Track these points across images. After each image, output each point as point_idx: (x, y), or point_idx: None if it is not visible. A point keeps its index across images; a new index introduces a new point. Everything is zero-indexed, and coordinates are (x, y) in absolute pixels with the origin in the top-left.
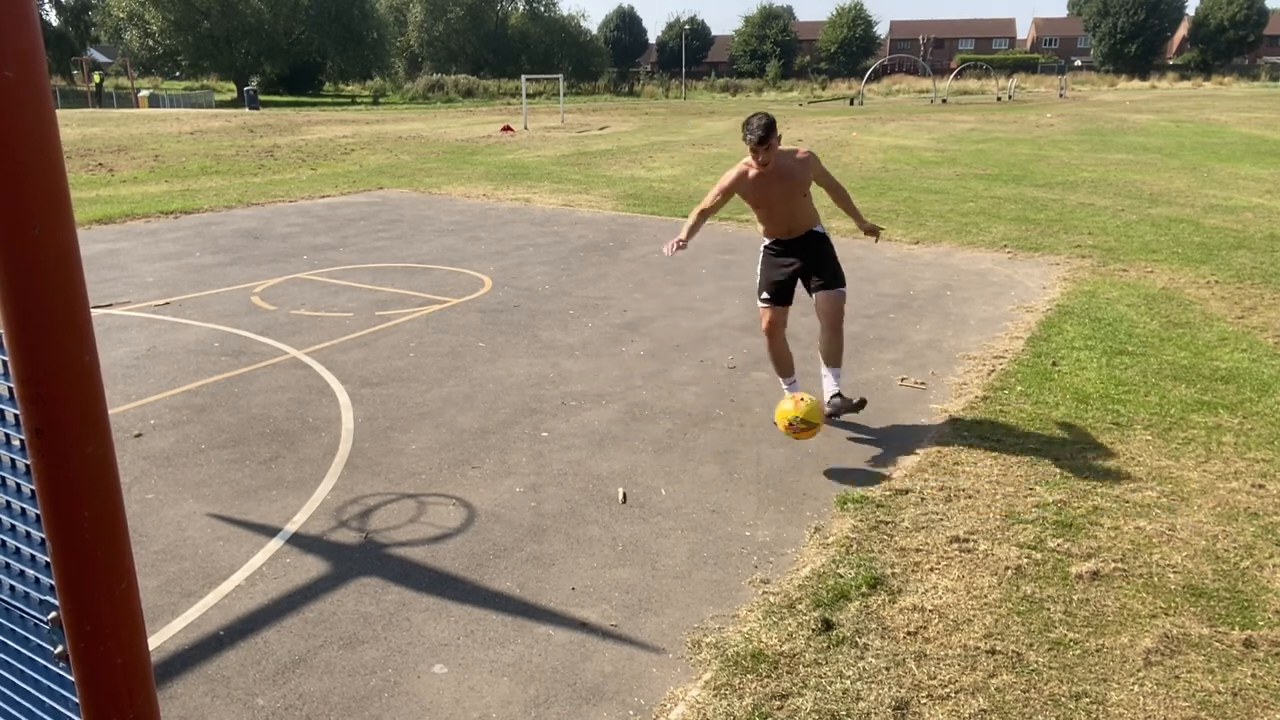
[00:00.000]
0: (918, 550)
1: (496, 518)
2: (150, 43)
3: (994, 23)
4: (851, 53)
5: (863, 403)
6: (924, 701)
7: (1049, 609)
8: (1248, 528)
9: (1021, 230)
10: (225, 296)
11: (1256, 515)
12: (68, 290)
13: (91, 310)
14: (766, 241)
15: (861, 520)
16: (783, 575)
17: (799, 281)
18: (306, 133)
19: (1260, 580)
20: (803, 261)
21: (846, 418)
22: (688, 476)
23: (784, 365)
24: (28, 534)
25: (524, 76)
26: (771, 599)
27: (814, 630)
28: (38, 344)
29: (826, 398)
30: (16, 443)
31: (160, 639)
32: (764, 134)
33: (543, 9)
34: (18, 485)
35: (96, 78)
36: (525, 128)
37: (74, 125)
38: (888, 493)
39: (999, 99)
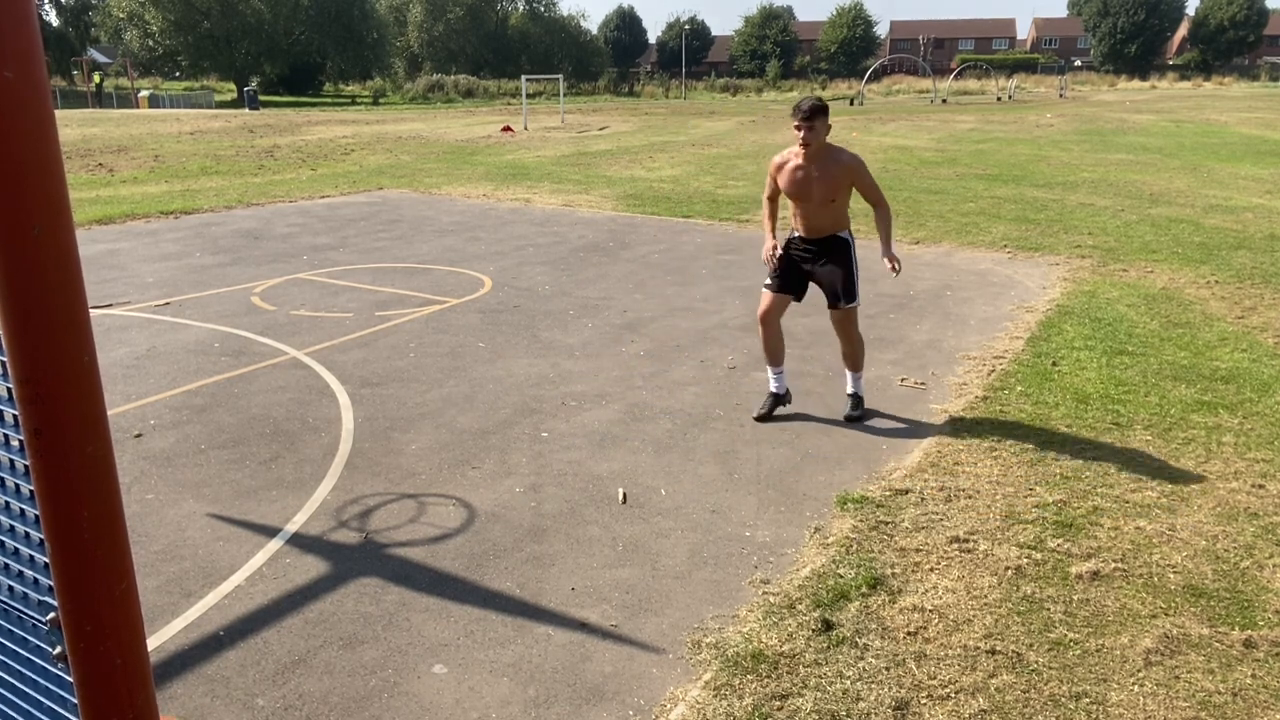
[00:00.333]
0: (918, 550)
1: (496, 518)
2: (150, 43)
3: (994, 23)
4: (851, 53)
5: (859, 418)
6: (924, 702)
7: (1049, 609)
8: (1248, 528)
9: (1021, 230)
10: (225, 297)
11: (1256, 515)
12: (67, 290)
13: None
14: (793, 232)
15: (861, 520)
16: (783, 575)
17: (811, 283)
18: (306, 133)
19: (1260, 580)
20: (817, 265)
21: (846, 423)
22: (688, 476)
23: (774, 354)
24: (27, 534)
25: (524, 77)
26: (771, 599)
27: (814, 630)
28: (37, 344)
29: (847, 393)
30: (16, 443)
31: (160, 639)
32: (810, 112)
33: (543, 9)
34: (17, 485)
35: (96, 78)
36: (525, 128)
37: (74, 125)
38: (888, 493)
39: (999, 99)
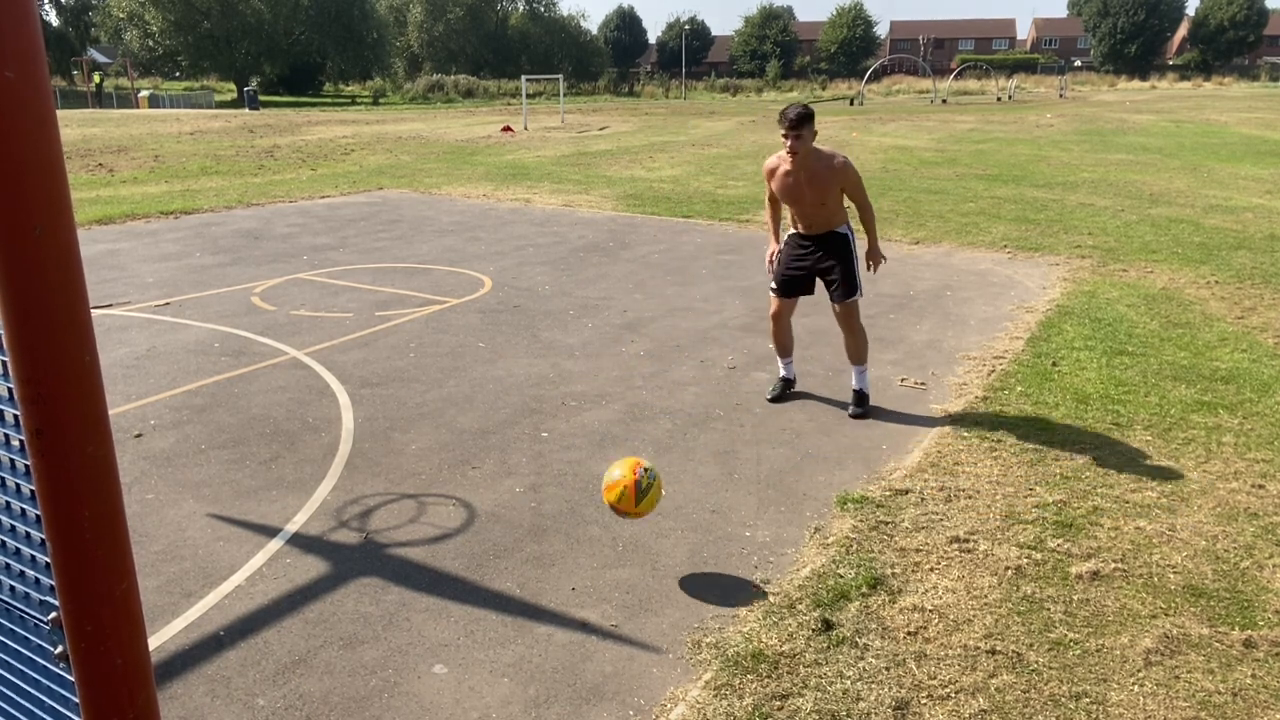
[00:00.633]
0: (918, 550)
1: (496, 518)
2: (150, 43)
3: (994, 23)
4: (851, 53)
5: (864, 415)
6: (924, 702)
7: (1049, 609)
8: (1248, 528)
9: (1021, 230)
10: (225, 297)
11: (1256, 515)
12: (68, 290)
13: (91, 310)
14: (791, 230)
15: (861, 520)
16: (783, 575)
17: (815, 278)
18: (306, 133)
19: (1260, 580)
20: (818, 260)
21: (846, 423)
22: (688, 476)
23: (783, 347)
24: (28, 534)
25: (524, 77)
26: (771, 599)
27: (814, 630)
28: (38, 344)
29: (852, 389)
30: (16, 443)
31: (160, 639)
32: (796, 120)
33: (543, 9)
34: (18, 485)
35: (96, 78)
36: (525, 128)
37: (74, 125)
38: (888, 493)
39: (999, 99)
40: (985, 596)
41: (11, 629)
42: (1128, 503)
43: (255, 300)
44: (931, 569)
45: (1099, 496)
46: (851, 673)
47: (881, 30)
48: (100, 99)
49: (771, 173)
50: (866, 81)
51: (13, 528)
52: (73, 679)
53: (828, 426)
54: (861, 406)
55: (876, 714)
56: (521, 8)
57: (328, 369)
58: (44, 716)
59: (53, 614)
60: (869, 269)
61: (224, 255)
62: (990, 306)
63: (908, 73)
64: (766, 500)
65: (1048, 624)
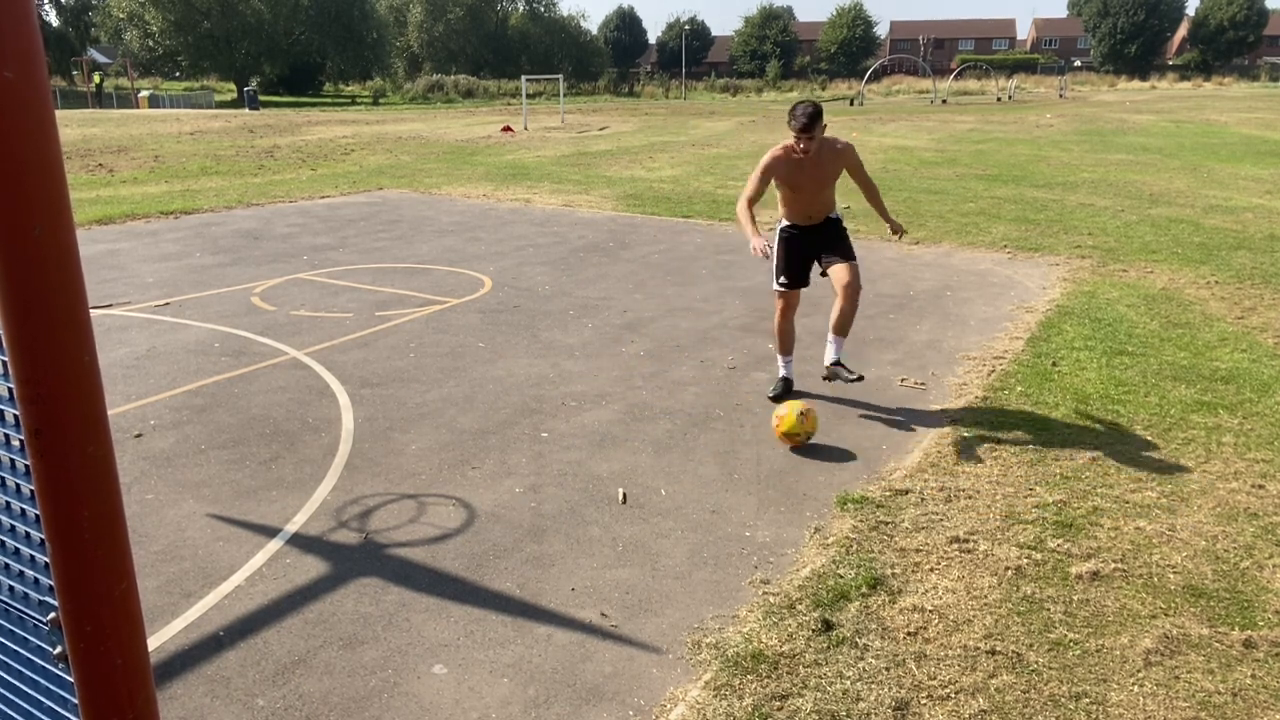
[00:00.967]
0: (918, 550)
1: (496, 518)
2: (150, 43)
3: (994, 23)
4: (851, 53)
5: (860, 378)
6: (924, 702)
7: (1049, 609)
8: (1248, 528)
9: (1021, 230)
10: (225, 297)
11: (1256, 515)
12: (68, 290)
13: (91, 310)
14: (784, 224)
15: (861, 520)
16: (783, 575)
17: (813, 262)
18: (306, 133)
19: (1260, 580)
20: (818, 243)
21: (846, 423)
22: (688, 476)
23: (787, 344)
24: (27, 534)
25: (524, 77)
26: (771, 599)
27: (814, 631)
28: (37, 344)
29: (826, 363)
30: (16, 443)
31: (160, 639)
32: (808, 121)
33: (543, 9)
34: (18, 485)
35: (96, 78)
36: (525, 128)
37: (74, 125)
38: (888, 493)
39: (999, 99)
40: (985, 597)
41: (11, 629)
42: (1128, 503)
43: (255, 300)
44: (931, 569)
45: (1099, 496)
46: (851, 673)
47: (881, 30)
48: (100, 99)
49: (776, 163)
50: (866, 82)
51: (12, 528)
52: (72, 679)
53: (828, 426)
54: (837, 366)
55: (876, 714)
56: (521, 8)
57: (328, 369)
58: (43, 717)
59: (52, 614)
60: (897, 236)
61: (224, 255)
62: (990, 306)
63: (908, 73)
64: (766, 500)
65: (1048, 624)
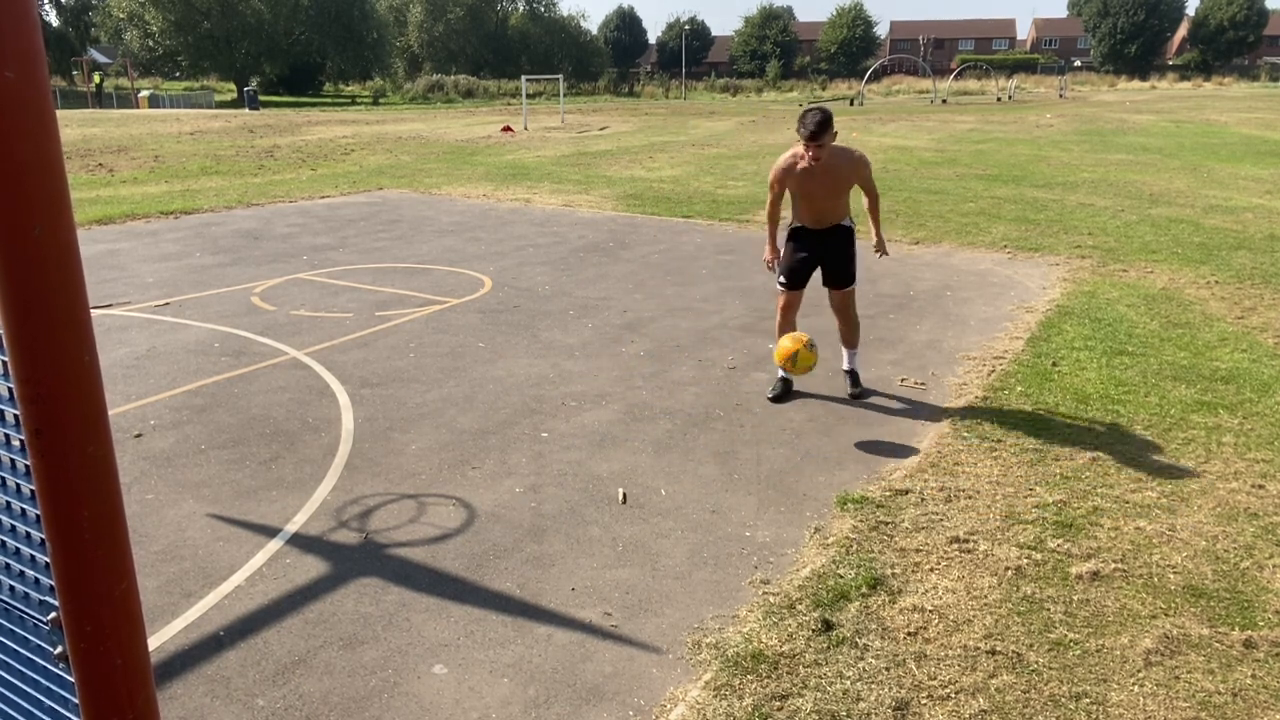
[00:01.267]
0: (918, 550)
1: (496, 518)
2: (150, 43)
3: (994, 23)
4: (851, 53)
5: (854, 396)
6: (924, 702)
7: (1049, 609)
8: (1248, 528)
9: (1021, 230)
10: (225, 297)
11: (1256, 515)
12: (68, 290)
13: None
14: (794, 223)
15: (861, 520)
16: (783, 575)
17: (816, 268)
18: (306, 133)
19: (1260, 580)
20: (821, 252)
21: (846, 423)
22: (688, 476)
23: None
24: (28, 534)
25: (524, 77)
26: (771, 599)
27: (814, 631)
28: (37, 344)
29: (844, 370)
30: (16, 443)
31: (160, 639)
32: (817, 130)
33: (543, 9)
34: (18, 485)
35: (96, 78)
36: (525, 128)
37: (74, 125)
38: (888, 493)
39: (999, 99)
40: (985, 597)
41: (11, 629)
42: (1128, 503)
43: (255, 300)
44: (931, 569)
45: (1099, 496)
46: (851, 673)
47: (881, 30)
48: (100, 99)
49: (785, 173)
50: (866, 82)
51: (13, 528)
52: (72, 679)
53: (828, 426)
54: (858, 386)
55: (876, 714)
56: (521, 8)
57: (328, 369)
58: (43, 717)
59: (52, 614)
60: (877, 253)
61: (224, 255)
62: (990, 306)
63: (908, 73)
64: (766, 500)
65: (1048, 624)
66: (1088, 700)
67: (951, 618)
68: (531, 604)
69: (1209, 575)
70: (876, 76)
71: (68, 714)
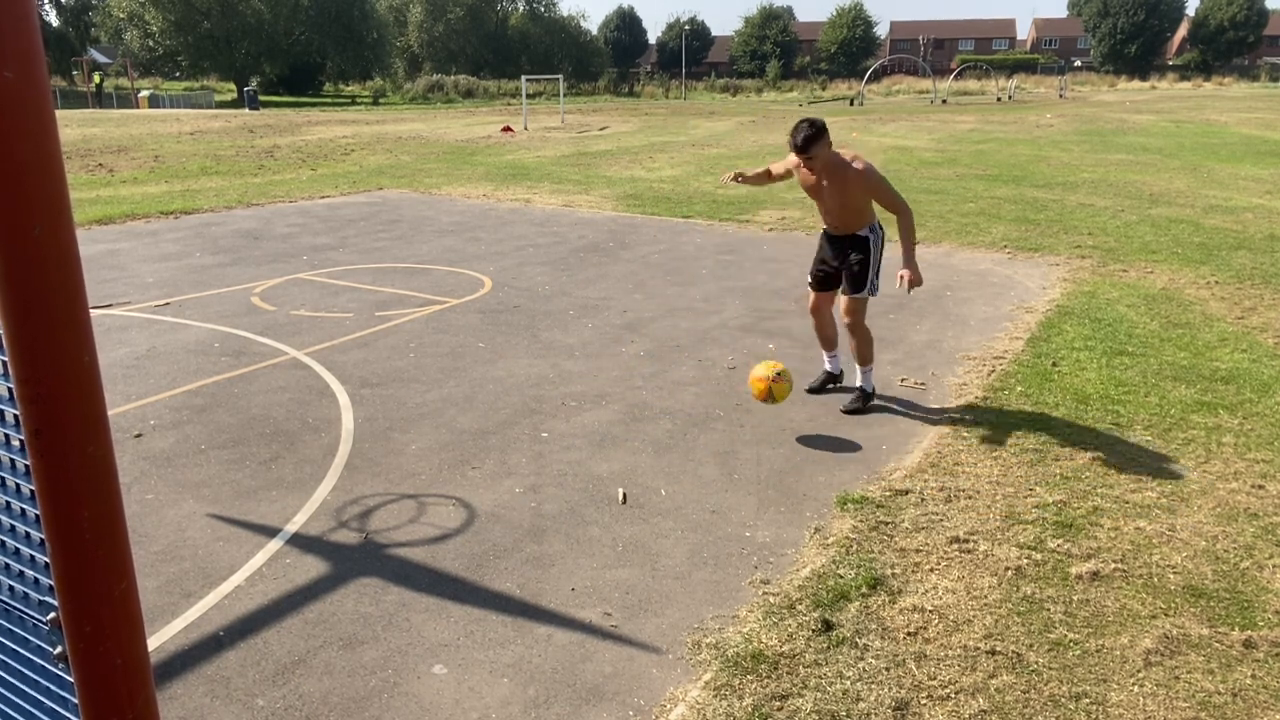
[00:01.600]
0: (918, 551)
1: (496, 518)
2: (150, 43)
3: (994, 23)
4: (851, 53)
5: (856, 411)
6: (924, 702)
7: (1049, 609)
8: (1248, 528)
9: (1021, 230)
10: (225, 297)
11: (1256, 515)
12: (68, 290)
13: (91, 310)
14: (824, 226)
15: (861, 520)
16: (783, 576)
17: (839, 272)
18: (306, 133)
19: (1260, 580)
20: (840, 259)
21: (846, 423)
22: (688, 477)
23: (825, 341)
24: (27, 534)
25: (524, 77)
26: (771, 599)
27: (814, 631)
28: (37, 344)
29: (856, 385)
30: (16, 443)
31: (160, 639)
32: (804, 144)
33: (543, 9)
34: (17, 485)
35: (96, 78)
36: (525, 128)
37: (74, 125)
38: (888, 493)
39: (999, 99)
40: (985, 597)
41: (11, 629)
42: (1128, 503)
43: (255, 300)
44: (931, 569)
45: (1099, 496)
46: (851, 673)
47: (881, 30)
48: (100, 99)
49: (796, 167)
50: (866, 82)
51: (12, 528)
52: (72, 679)
53: (828, 426)
54: (857, 404)
55: (876, 714)
56: (521, 8)
57: (328, 369)
58: (43, 717)
59: (52, 614)
60: (900, 285)
61: (224, 255)
62: (990, 306)
63: (908, 73)
64: (766, 500)
65: (1048, 624)
66: (1088, 700)
67: (951, 618)
68: (531, 604)
69: (1209, 575)
70: (876, 76)
71: (67, 714)
